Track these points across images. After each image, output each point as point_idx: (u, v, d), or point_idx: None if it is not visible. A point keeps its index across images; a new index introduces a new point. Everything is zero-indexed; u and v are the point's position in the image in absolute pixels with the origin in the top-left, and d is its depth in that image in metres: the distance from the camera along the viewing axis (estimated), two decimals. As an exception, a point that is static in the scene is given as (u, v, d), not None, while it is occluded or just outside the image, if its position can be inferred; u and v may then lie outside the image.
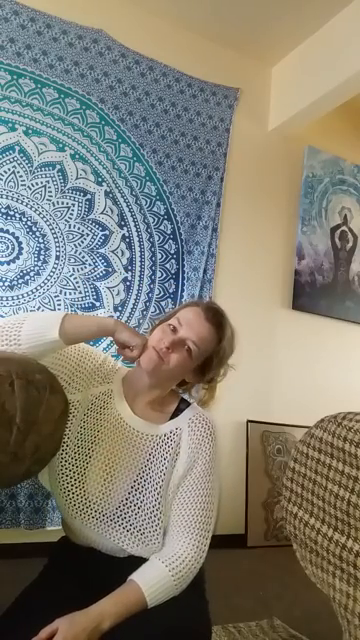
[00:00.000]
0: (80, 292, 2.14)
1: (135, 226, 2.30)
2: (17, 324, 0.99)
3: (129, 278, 2.25)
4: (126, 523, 0.99)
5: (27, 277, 2.04)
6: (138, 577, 0.90)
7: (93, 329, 1.03)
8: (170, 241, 2.36)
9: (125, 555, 1.00)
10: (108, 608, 0.85)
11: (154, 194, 2.35)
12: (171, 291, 2.34)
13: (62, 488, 1.00)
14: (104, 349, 2.05)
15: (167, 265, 2.35)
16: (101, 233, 2.21)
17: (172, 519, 0.99)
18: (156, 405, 1.09)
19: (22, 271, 2.04)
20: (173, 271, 2.36)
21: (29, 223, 2.07)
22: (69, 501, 1.00)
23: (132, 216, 2.29)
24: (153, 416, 1.07)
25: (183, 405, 1.11)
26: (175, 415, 1.08)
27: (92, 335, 1.04)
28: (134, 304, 2.25)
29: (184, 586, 0.93)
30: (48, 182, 2.12)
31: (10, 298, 2.00)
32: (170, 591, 0.90)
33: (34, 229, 2.08)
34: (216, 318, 1.07)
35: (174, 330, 1.05)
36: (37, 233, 2.08)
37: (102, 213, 2.22)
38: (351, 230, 2.98)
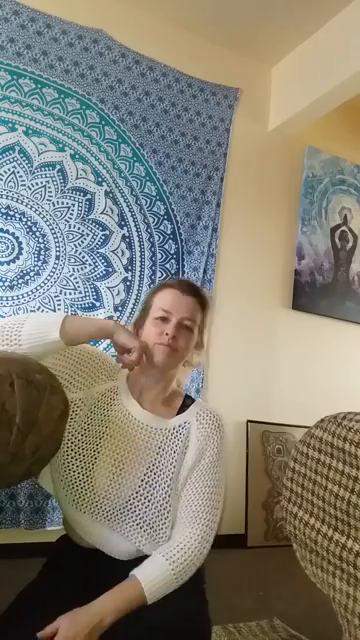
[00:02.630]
0: (80, 292, 2.14)
1: (135, 226, 2.30)
2: (18, 324, 1.00)
3: (129, 278, 2.25)
4: (136, 517, 0.99)
5: (27, 277, 2.04)
6: (138, 572, 0.91)
7: (93, 330, 1.05)
8: (170, 241, 2.36)
9: (126, 559, 1.00)
10: (109, 604, 0.85)
11: (154, 194, 2.35)
12: (171, 291, 2.34)
13: (69, 484, 1.01)
14: (104, 349, 2.05)
15: (167, 265, 2.35)
16: (101, 233, 2.21)
17: (179, 511, 1.00)
18: (163, 400, 1.11)
19: (22, 271, 2.04)
20: (173, 271, 2.36)
21: (29, 223, 2.07)
22: (78, 496, 1.00)
23: (132, 216, 2.29)
24: (161, 410, 1.10)
25: (189, 401, 1.14)
26: (182, 410, 1.11)
27: (92, 336, 1.06)
28: (134, 304, 2.24)
29: (185, 578, 0.93)
30: (48, 182, 2.12)
31: (10, 298, 2.00)
32: (170, 584, 0.91)
33: (34, 229, 2.08)
34: (192, 289, 1.13)
35: (165, 319, 1.07)
36: (37, 233, 2.08)
37: (102, 213, 2.22)
38: (351, 230, 2.98)
